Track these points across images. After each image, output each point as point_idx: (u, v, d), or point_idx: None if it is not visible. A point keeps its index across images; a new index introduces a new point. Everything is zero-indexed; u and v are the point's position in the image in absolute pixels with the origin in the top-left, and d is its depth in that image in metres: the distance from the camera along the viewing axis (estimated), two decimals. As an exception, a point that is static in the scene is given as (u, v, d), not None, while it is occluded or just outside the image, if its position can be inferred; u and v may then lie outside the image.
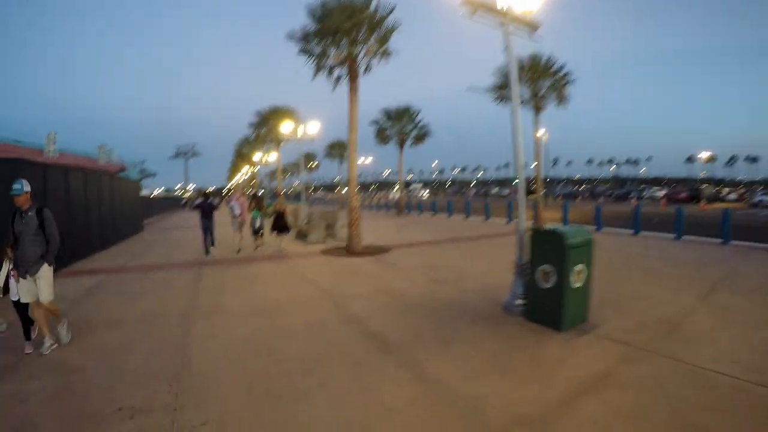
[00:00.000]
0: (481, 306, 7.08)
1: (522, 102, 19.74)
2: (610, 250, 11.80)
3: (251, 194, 20.66)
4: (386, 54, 13.00)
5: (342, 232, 15.68)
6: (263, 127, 30.89)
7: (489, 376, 4.51)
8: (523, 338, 5.58)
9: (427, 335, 5.77)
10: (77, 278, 10.29)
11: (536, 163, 21.68)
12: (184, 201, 62.13)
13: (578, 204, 44.67)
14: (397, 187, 44.38)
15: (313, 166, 61.70)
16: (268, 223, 16.17)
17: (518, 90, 7.24)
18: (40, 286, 5.37)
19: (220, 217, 17.54)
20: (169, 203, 54.54)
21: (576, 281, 5.74)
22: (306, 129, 23.02)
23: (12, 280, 5.43)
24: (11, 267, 5.45)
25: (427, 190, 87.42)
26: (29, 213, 5.36)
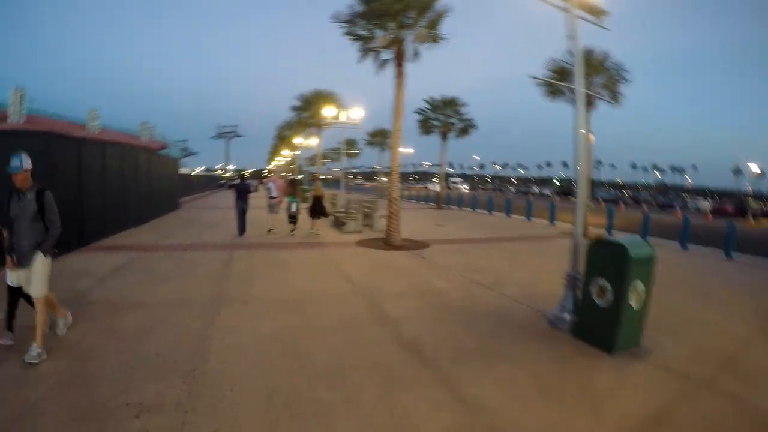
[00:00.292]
0: (525, 316, 6.45)
1: (571, 99, 18.77)
2: (659, 266, 10.85)
3: (289, 179, 20.58)
4: (435, 39, 12.44)
5: (380, 223, 15.18)
6: (305, 110, 30.66)
7: (535, 402, 3.93)
8: (572, 360, 4.97)
9: (468, 347, 5.20)
10: (109, 253, 10.18)
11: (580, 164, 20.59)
12: (223, 182, 62.92)
13: (621, 210, 43.02)
14: (437, 180, 43.61)
15: (354, 152, 61.46)
16: (304, 208, 15.95)
17: (583, 82, 6.52)
18: (32, 280, 4.61)
19: (256, 200, 17.40)
20: (209, 182, 55.28)
21: (634, 301, 5.11)
22: (348, 114, 22.59)
23: (7, 269, 4.70)
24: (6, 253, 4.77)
25: (467, 185, 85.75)
26: (28, 194, 4.61)
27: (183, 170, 30.89)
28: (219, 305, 6.49)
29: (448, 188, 53.38)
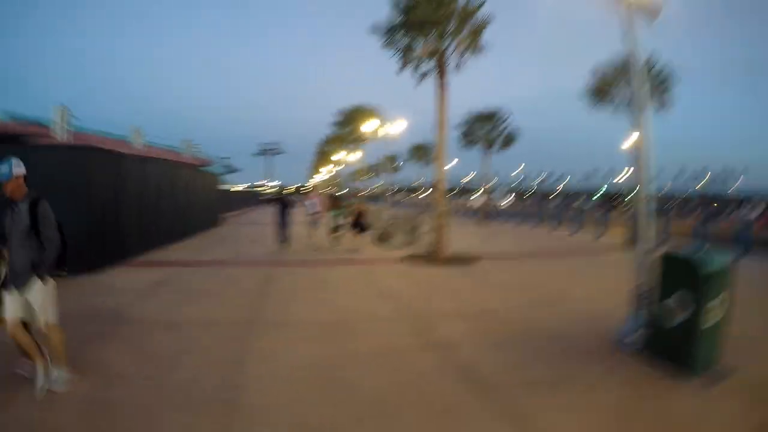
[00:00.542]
0: (589, 337, 5.77)
1: (617, 106, 17.88)
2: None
3: (329, 194, 20.49)
4: (478, 48, 11.97)
5: (425, 238, 14.66)
6: (346, 126, 30.61)
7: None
8: (647, 385, 4.37)
9: (531, 375, 4.58)
10: (146, 270, 10.06)
11: (626, 171, 19.48)
12: (264, 197, 63.66)
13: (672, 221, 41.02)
14: (479, 193, 42.78)
15: (396, 167, 61.19)
16: (347, 223, 15.70)
17: (643, 84, 5.88)
18: (34, 306, 3.91)
19: (297, 215, 17.23)
20: (250, 198, 55.92)
21: (712, 317, 4.50)
22: (389, 129, 22.29)
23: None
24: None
25: (510, 197, 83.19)
26: (21, 206, 3.90)
27: (225, 186, 31.14)
28: (256, 328, 6.10)
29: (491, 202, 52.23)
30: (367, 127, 23.58)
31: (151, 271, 9.92)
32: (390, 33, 12.30)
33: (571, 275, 10.44)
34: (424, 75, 12.41)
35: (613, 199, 63.90)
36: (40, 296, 3.94)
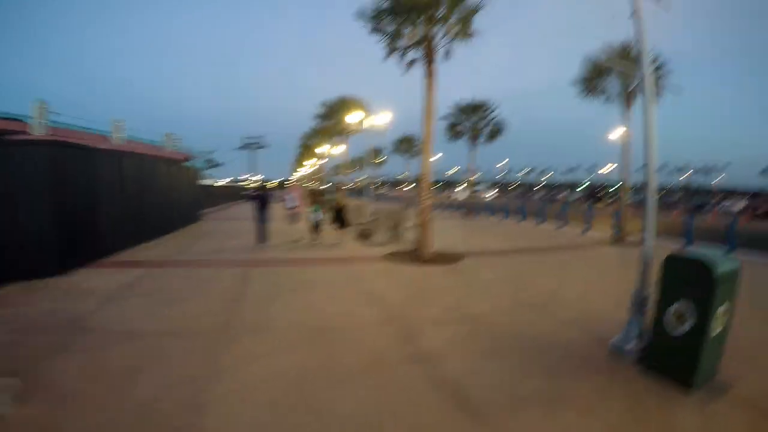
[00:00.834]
0: (583, 344, 5.45)
1: (608, 98, 17.62)
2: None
3: (309, 189, 20.10)
4: (467, 35, 11.53)
5: (408, 234, 14.25)
6: (330, 118, 30.01)
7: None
8: (648, 400, 4.09)
9: (523, 390, 4.21)
10: (117, 270, 9.48)
11: (609, 166, 19.19)
12: (246, 192, 62.90)
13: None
14: (462, 187, 42.43)
15: (380, 161, 60.63)
16: (327, 218, 15.27)
17: (650, 69, 5.52)
18: None
19: (278, 210, 16.74)
20: (232, 193, 55.07)
21: (718, 325, 4.22)
22: (374, 120, 21.77)
23: None
24: None
25: (495, 191, 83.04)
26: None
27: (206, 181, 30.42)
28: (230, 337, 5.63)
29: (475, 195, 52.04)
30: (352, 118, 23.05)
31: (123, 271, 9.36)
32: (376, 18, 11.80)
33: (561, 273, 10.09)
34: (411, 62, 11.94)
35: (596, 192, 64.42)
36: None
